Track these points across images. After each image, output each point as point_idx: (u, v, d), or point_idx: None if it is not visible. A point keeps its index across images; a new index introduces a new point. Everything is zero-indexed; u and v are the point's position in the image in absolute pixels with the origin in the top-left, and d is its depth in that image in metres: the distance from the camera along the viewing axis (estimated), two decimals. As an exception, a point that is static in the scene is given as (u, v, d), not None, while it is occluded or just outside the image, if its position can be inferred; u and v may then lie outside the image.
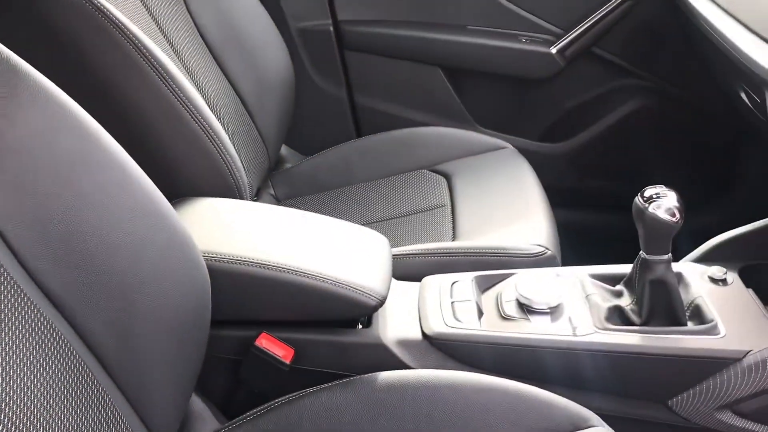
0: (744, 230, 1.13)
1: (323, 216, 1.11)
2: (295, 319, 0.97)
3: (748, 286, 1.06)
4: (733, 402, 0.95)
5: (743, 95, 1.28)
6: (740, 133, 1.55)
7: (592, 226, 1.73)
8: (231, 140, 1.18)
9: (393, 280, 1.02)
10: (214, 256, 0.92)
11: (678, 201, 0.92)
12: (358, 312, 0.96)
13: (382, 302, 0.94)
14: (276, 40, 1.53)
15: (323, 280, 0.93)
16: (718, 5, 1.32)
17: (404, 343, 0.99)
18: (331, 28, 1.73)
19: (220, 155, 1.12)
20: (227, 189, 1.14)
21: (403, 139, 1.59)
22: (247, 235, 1.00)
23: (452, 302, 1.04)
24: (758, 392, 0.93)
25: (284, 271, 0.93)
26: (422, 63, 1.74)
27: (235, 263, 0.93)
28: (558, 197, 1.44)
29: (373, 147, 1.60)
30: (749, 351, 0.93)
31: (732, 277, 1.07)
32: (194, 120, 1.09)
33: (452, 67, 1.74)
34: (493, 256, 1.17)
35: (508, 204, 1.37)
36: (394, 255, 1.10)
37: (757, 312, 1.00)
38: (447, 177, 1.49)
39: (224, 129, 1.17)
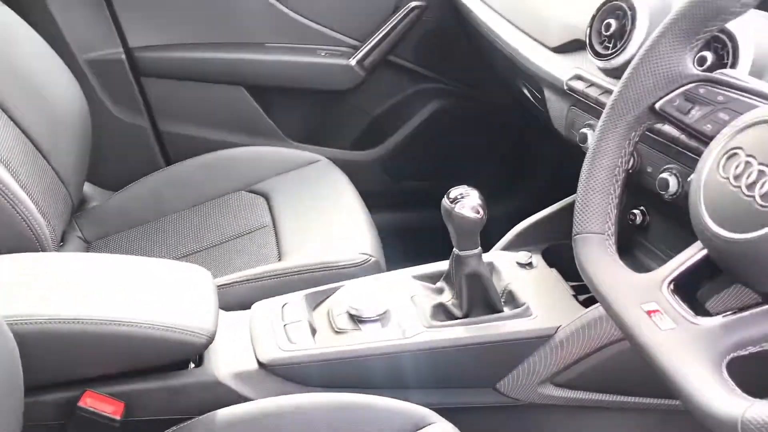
0: (541, 215, 1.23)
1: (135, 257, 1.06)
2: (120, 371, 0.92)
3: (551, 266, 1.16)
4: (552, 375, 1.03)
5: (526, 91, 1.39)
6: (529, 124, 1.69)
7: (411, 226, 1.80)
8: (24, 188, 1.09)
9: (221, 311, 1.00)
10: (19, 319, 0.85)
11: (480, 198, 0.99)
12: (188, 353, 0.93)
13: (211, 338, 0.92)
14: (63, 75, 1.43)
15: (144, 327, 0.88)
16: (495, 11, 1.43)
17: (240, 376, 0.97)
18: (124, 56, 1.65)
19: (13, 207, 1.03)
20: (26, 242, 1.06)
21: (215, 162, 1.56)
22: (54, 291, 0.93)
23: (284, 325, 1.04)
24: (572, 362, 1.02)
25: (100, 324, 0.88)
26: (225, 84, 1.72)
27: (45, 323, 0.86)
28: (376, 202, 1.49)
29: (183, 174, 1.55)
30: (559, 326, 1.02)
31: (537, 259, 1.16)
32: (-24, 173, 1.00)
33: (256, 85, 1.73)
34: (320, 271, 1.19)
35: (328, 216, 1.39)
36: (219, 285, 1.08)
37: (561, 290, 1.10)
38: (265, 196, 1.48)
39: (14, 177, 1.09)
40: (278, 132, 1.76)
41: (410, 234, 1.75)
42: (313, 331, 1.03)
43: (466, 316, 1.04)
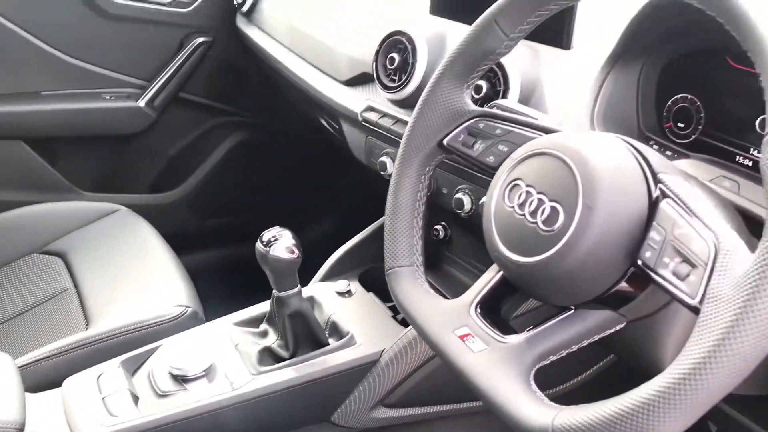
0: (354, 242, 1.27)
1: None
2: None
3: (368, 290, 1.19)
4: (382, 398, 1.07)
5: (323, 122, 1.43)
6: (330, 153, 1.72)
7: (224, 263, 1.77)
8: None
9: (27, 395, 0.92)
10: None
11: (294, 238, 1.00)
12: (-7, 452, 0.84)
13: (19, 430, 0.84)
14: None
15: None
16: (284, 45, 1.45)
17: (59, 464, 0.90)
18: None
19: None
20: None
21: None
22: None
23: (103, 398, 0.97)
24: (399, 382, 1.06)
25: None
26: (1, 139, 1.58)
27: None
28: (185, 245, 1.45)
29: None
30: (383, 350, 1.06)
31: (354, 286, 1.19)
32: None
33: (36, 137, 1.61)
34: (134, 332, 1.13)
35: (135, 269, 1.32)
36: (21, 366, 0.99)
37: (381, 312, 1.14)
38: (61, 256, 1.38)
39: None
40: (68, 184, 1.65)
41: (225, 272, 1.71)
42: (135, 399, 0.98)
43: (293, 355, 1.04)
